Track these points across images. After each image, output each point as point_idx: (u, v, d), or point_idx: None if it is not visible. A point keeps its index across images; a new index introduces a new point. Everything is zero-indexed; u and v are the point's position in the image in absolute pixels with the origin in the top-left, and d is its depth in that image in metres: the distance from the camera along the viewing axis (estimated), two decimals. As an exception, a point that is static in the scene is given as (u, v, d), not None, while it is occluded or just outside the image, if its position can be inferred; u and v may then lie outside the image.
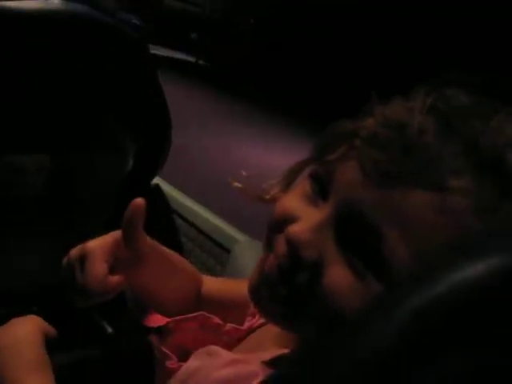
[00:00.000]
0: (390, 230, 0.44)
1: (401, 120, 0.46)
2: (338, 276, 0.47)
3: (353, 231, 0.47)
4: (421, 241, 0.44)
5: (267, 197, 0.59)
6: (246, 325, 0.68)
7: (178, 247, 1.27)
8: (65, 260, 0.70)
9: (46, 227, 1.20)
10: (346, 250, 0.47)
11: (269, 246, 0.52)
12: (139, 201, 0.64)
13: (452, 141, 0.45)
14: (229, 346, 0.64)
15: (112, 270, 0.67)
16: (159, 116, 1.26)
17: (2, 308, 1.07)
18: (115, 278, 0.67)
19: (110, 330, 1.13)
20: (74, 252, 0.69)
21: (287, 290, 0.49)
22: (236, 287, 0.79)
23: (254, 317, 0.69)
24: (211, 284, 0.80)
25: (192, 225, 1.26)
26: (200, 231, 1.23)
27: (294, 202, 0.52)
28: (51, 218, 1.20)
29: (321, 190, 0.51)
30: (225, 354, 0.57)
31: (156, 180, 1.37)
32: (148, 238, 0.70)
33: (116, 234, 0.68)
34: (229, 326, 0.67)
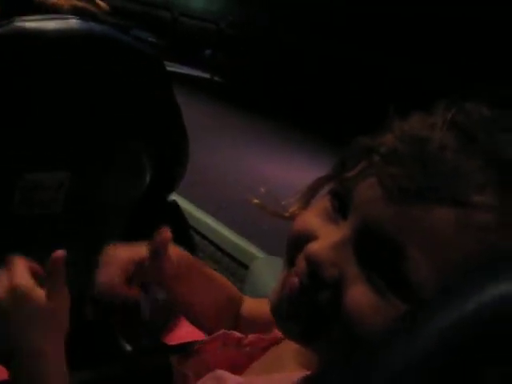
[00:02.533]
0: (412, 247, 0.44)
1: (421, 135, 0.46)
2: (360, 294, 0.46)
3: (373, 249, 0.46)
4: (443, 257, 0.43)
5: (286, 214, 0.59)
6: (271, 334, 0.67)
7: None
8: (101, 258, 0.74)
9: (62, 245, 1.20)
10: (366, 268, 0.46)
11: (289, 263, 0.52)
12: (167, 234, 0.70)
13: (474, 155, 0.44)
14: (252, 357, 0.64)
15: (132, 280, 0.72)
16: (176, 133, 1.26)
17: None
18: (124, 288, 0.71)
19: (128, 348, 1.12)
20: (110, 250, 0.74)
21: (308, 308, 0.48)
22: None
23: None
24: (250, 304, 0.82)
25: (209, 241, 1.26)
26: (218, 247, 1.23)
27: (313, 219, 0.51)
28: (67, 235, 1.21)
29: (340, 207, 0.50)
30: (231, 379, 0.56)
31: (173, 196, 1.37)
32: (185, 255, 0.75)
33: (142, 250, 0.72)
34: (251, 336, 0.67)
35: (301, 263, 0.49)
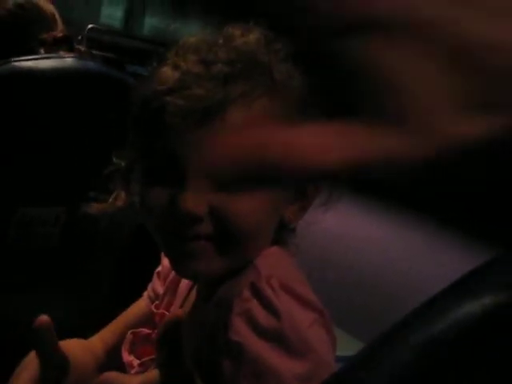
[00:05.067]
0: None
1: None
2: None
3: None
4: None
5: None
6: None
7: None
8: None
9: (60, 277, 1.21)
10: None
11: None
12: (44, 318, 0.61)
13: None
14: None
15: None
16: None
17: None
18: None
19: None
20: None
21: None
22: (124, 319, 0.80)
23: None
24: (103, 339, 0.78)
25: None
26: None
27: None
28: (65, 268, 1.21)
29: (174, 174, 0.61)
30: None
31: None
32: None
33: (32, 359, 0.66)
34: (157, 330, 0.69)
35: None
